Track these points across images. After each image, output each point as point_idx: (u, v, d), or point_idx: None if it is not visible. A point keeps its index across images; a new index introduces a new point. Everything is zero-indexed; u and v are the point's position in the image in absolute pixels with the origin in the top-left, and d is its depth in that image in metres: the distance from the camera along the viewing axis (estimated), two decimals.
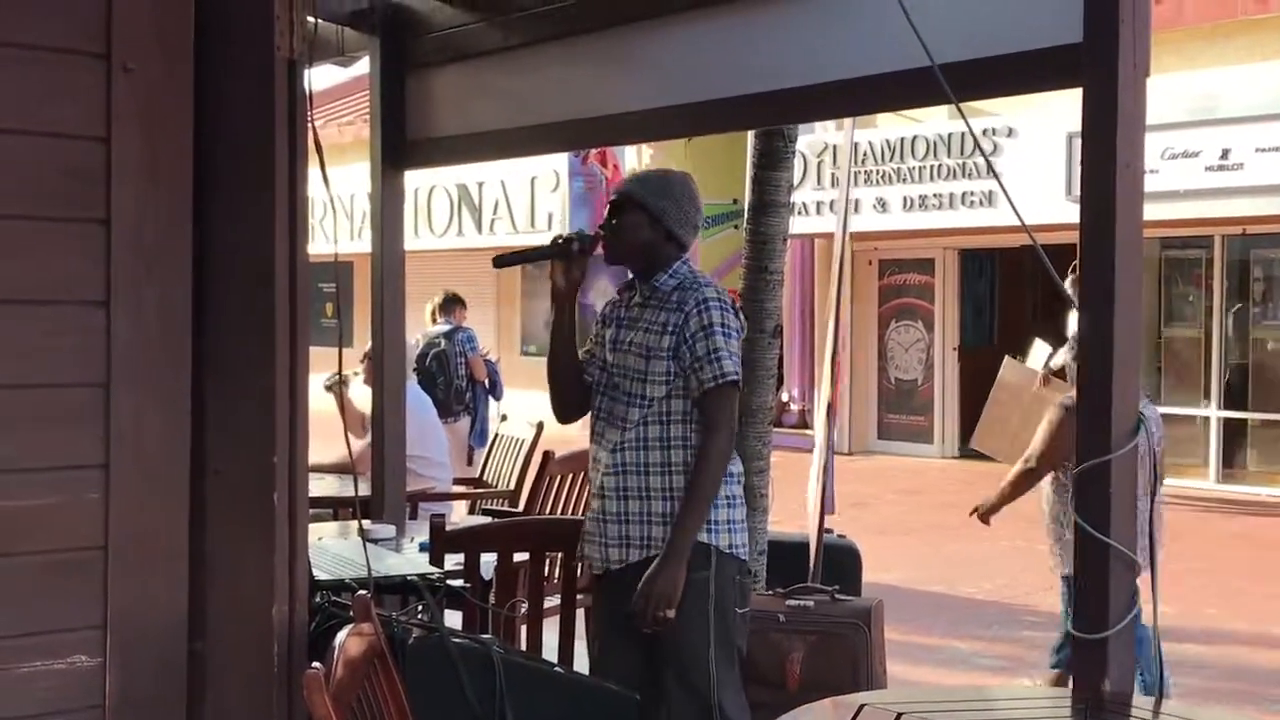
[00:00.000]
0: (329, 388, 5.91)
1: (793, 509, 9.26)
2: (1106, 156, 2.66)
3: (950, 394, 14.37)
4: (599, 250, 3.33)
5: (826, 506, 5.13)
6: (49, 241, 2.25)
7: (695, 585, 3.06)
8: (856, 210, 13.52)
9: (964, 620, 7.38)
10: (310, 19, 2.50)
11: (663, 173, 3.42)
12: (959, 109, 2.82)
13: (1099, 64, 2.70)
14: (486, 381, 8.80)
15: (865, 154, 13.44)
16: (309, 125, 2.61)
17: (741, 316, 3.24)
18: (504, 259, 3.49)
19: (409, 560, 3.26)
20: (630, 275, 3.35)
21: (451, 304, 9.18)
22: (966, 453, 14.33)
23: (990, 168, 11.83)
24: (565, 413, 3.38)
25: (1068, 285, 3.43)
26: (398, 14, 4.57)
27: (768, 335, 4.61)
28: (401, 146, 4.61)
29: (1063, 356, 6.36)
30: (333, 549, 3.12)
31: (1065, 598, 4.82)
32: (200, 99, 2.52)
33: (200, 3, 2.47)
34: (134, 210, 2.42)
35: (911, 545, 9.44)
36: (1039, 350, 8.19)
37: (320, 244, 15.97)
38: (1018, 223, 10.95)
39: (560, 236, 3.33)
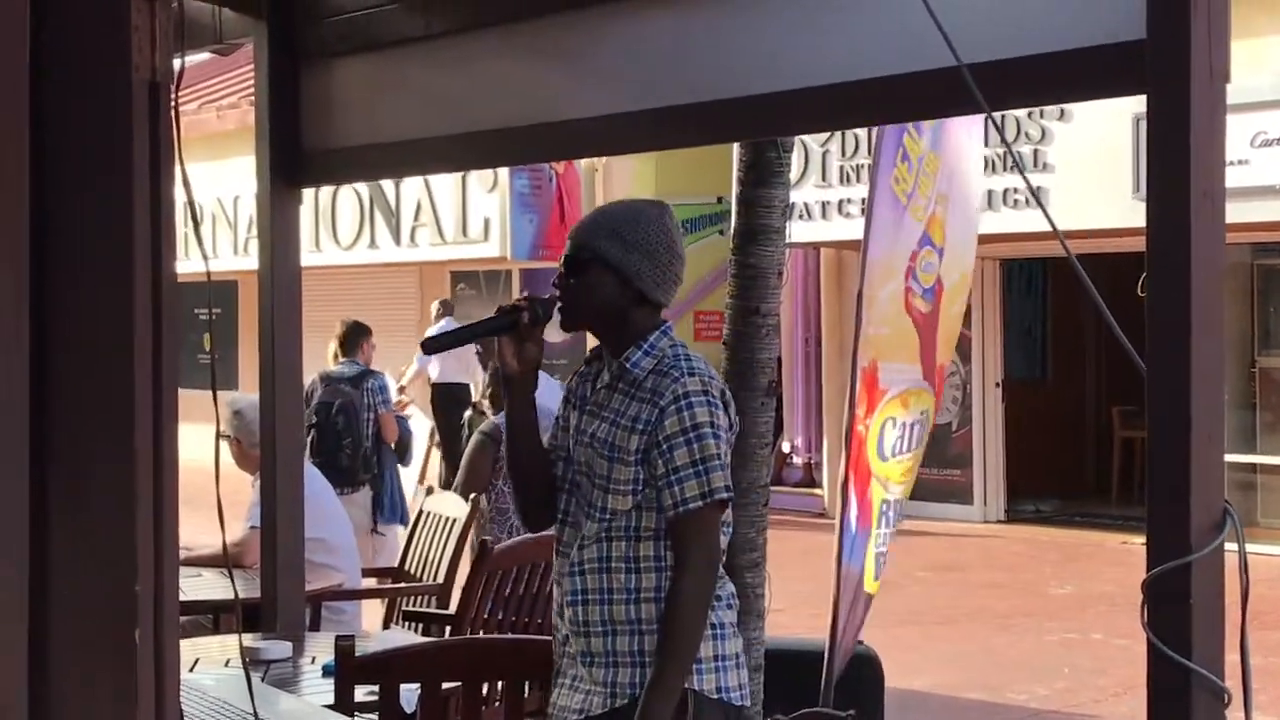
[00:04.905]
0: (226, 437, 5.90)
1: (799, 590, 9.28)
2: (1177, 183, 2.68)
3: (993, 441, 14.43)
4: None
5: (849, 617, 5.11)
6: None
7: None
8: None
9: None
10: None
11: (631, 211, 3.29)
12: (994, 124, 2.85)
13: (1165, 67, 2.73)
14: (392, 444, 8.70)
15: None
16: (178, 160, 2.64)
17: (732, 410, 3.17)
18: (436, 341, 3.51)
19: (305, 706, 3.25)
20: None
21: (357, 337, 8.87)
22: (1016, 515, 14.43)
23: (1020, 169, 11.89)
24: (533, 516, 3.37)
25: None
26: None
27: (760, 394, 4.62)
28: (295, 159, 4.62)
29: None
30: (211, 689, 3.11)
31: None
32: (38, 135, 2.53)
33: (36, 13, 2.48)
34: None
35: (948, 639, 9.47)
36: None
37: (195, 254, 15.98)
38: (1073, 226, 11.07)
39: (507, 305, 3.27)
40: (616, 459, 3.13)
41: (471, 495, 6.50)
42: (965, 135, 5.29)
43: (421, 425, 11.85)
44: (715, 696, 3.12)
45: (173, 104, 2.49)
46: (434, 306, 14.91)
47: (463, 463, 7.13)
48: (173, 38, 2.49)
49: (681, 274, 3.26)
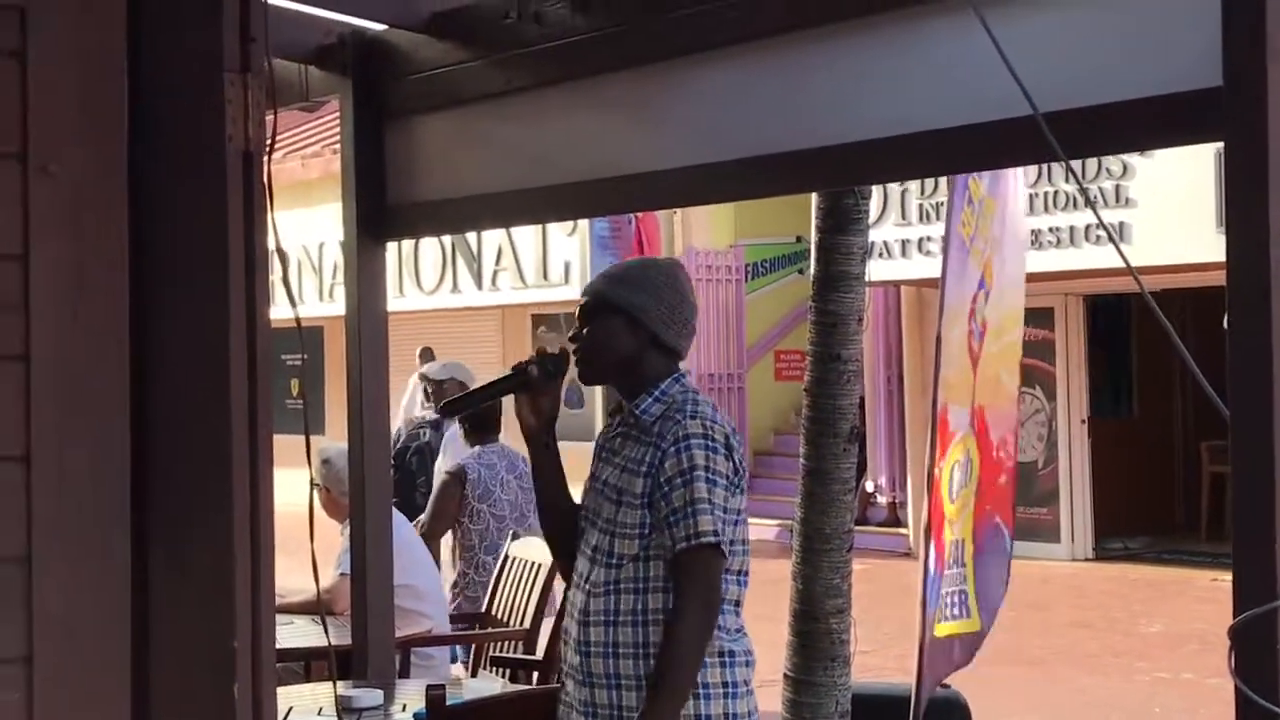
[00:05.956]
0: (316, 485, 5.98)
1: (886, 632, 9.24)
2: (1256, 233, 2.68)
3: (1080, 478, 14.30)
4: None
5: (945, 658, 5.09)
6: None
7: None
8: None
9: None
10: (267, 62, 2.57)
11: (640, 261, 3.46)
12: (1072, 173, 2.87)
13: (1242, 113, 2.72)
14: None
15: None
16: (271, 224, 2.70)
17: (738, 456, 3.18)
18: (455, 403, 3.52)
19: None
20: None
21: (440, 383, 9.21)
22: (1104, 553, 14.28)
23: (1093, 208, 11.82)
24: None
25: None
26: (373, 50, 4.68)
27: (842, 440, 4.65)
28: (380, 213, 4.70)
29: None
30: None
31: None
32: (137, 204, 2.60)
33: (134, 90, 2.55)
34: (58, 342, 2.48)
35: (1036, 680, 9.38)
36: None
37: (282, 300, 16.17)
38: (1156, 261, 10.96)
39: (521, 362, 3.34)
40: (624, 502, 3.18)
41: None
42: (1013, 176, 5.30)
43: None
44: None
45: (266, 169, 2.57)
46: (417, 353, 14.61)
47: (430, 502, 7.43)
48: (264, 105, 2.57)
49: (693, 321, 3.32)
